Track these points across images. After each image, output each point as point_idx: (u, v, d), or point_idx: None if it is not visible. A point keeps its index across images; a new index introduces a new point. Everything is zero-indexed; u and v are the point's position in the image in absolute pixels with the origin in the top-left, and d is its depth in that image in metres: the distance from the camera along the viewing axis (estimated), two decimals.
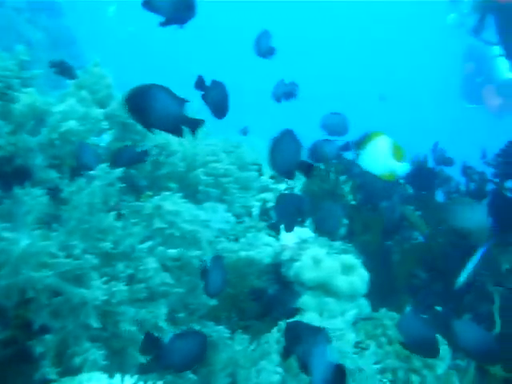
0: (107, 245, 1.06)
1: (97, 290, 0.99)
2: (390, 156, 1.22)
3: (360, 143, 1.24)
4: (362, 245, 2.02)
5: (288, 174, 1.08)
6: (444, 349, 1.38)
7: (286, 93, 1.73)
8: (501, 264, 1.72)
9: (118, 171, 1.18)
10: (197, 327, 1.26)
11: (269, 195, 2.08)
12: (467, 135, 10.85)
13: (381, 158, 1.23)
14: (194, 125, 0.86)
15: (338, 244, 1.95)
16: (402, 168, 1.26)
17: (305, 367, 0.78)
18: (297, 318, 1.54)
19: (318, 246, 1.87)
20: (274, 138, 1.04)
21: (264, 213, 2.04)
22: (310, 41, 15.43)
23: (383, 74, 14.03)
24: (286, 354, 0.91)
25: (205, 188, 1.81)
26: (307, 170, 1.04)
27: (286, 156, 1.03)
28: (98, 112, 1.47)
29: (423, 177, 2.04)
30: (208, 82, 1.00)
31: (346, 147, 1.41)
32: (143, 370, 0.98)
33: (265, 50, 1.77)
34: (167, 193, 1.15)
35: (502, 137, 2.19)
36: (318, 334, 0.81)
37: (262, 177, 2.28)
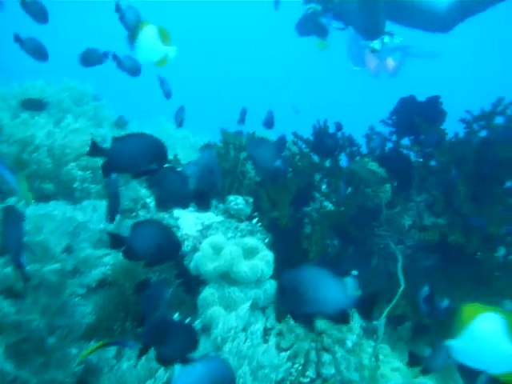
0: None
1: None
2: (159, 42, 1.25)
3: (131, 37, 1.23)
4: (271, 222, 1.92)
5: None
6: (354, 319, 1.33)
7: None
8: (403, 221, 1.71)
9: None
10: (74, 351, 1.06)
11: None
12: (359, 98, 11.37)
13: (151, 46, 1.25)
14: None
15: (244, 225, 1.83)
16: (171, 51, 1.29)
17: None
18: (203, 313, 1.40)
19: (223, 231, 1.72)
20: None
21: None
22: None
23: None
24: (142, 352, 0.79)
25: (81, 184, 1.57)
26: None
27: None
28: None
29: (325, 142, 1.97)
30: None
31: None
32: None
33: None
34: None
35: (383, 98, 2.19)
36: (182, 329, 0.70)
37: None
